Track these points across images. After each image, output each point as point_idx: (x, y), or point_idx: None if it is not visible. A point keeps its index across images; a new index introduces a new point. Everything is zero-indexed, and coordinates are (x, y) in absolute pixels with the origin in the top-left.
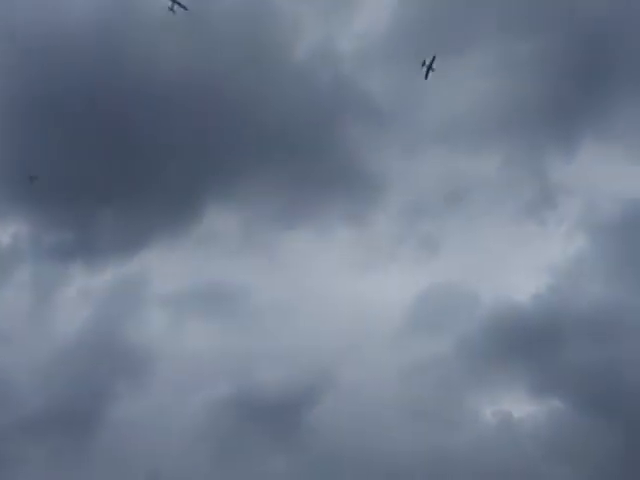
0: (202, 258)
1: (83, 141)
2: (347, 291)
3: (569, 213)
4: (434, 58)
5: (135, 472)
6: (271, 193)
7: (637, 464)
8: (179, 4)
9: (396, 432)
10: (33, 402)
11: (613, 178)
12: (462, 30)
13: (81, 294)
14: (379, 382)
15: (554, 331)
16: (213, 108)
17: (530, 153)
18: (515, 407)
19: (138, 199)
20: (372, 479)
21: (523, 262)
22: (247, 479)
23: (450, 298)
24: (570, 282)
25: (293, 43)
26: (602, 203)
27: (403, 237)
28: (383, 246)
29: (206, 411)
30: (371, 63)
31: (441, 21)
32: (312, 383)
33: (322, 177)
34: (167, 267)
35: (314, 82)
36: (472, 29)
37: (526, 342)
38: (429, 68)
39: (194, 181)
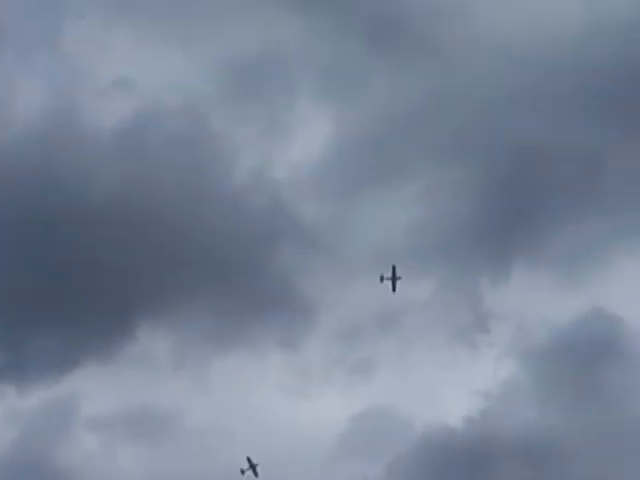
0: (134, 379)
1: (14, 260)
2: (281, 414)
3: (500, 337)
4: (394, 268)
5: None
6: (205, 315)
7: None
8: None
9: None
10: None
11: (543, 304)
12: (394, 160)
13: (10, 415)
14: None
15: (486, 455)
16: (148, 230)
17: (464, 278)
18: None
19: (70, 319)
20: None
21: (456, 386)
22: None
23: (383, 422)
24: (501, 406)
25: (230, 168)
26: (533, 328)
27: (337, 361)
28: (317, 370)
29: None
30: (306, 190)
31: (374, 152)
32: None
33: (256, 301)
34: (98, 388)
35: (250, 207)
36: (404, 158)
37: (458, 466)
38: (394, 279)
39: (127, 301)
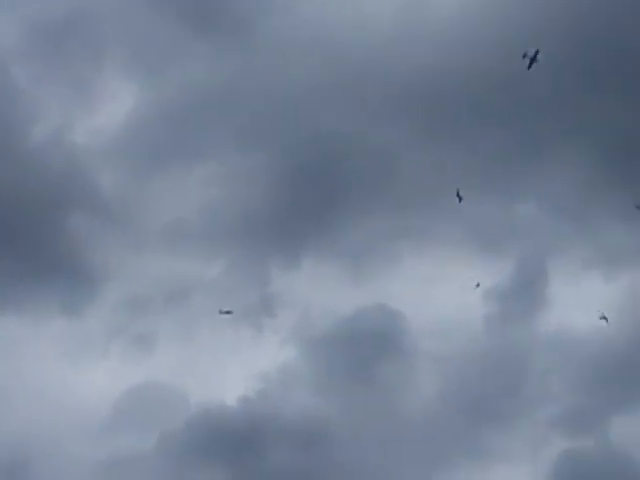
0: None
1: None
2: (57, 381)
3: (285, 323)
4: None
5: None
6: None
7: None
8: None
9: None
10: None
11: (328, 294)
12: (196, 138)
13: None
14: (74, 475)
15: (260, 436)
16: None
17: (253, 262)
18: None
19: None
20: None
21: (236, 366)
22: None
23: (160, 396)
24: (279, 389)
25: (28, 127)
26: (316, 317)
27: (119, 332)
28: (97, 340)
29: None
30: (104, 158)
31: (177, 127)
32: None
33: (42, 264)
34: None
35: (45, 169)
36: (206, 138)
37: (231, 445)
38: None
39: None
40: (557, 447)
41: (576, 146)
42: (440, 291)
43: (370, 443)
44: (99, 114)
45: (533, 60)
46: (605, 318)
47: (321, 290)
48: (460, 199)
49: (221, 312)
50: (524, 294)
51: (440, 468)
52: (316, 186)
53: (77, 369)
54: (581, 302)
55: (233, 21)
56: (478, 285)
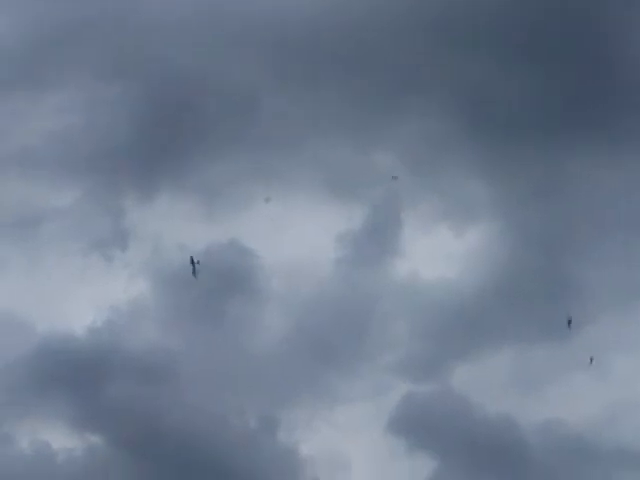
0: None
1: None
2: None
3: (136, 256)
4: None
5: None
6: None
7: None
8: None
9: None
10: None
11: (182, 230)
12: (53, 64)
13: None
14: None
15: (104, 368)
16: None
17: (107, 194)
18: (53, 438)
19: None
20: None
21: (84, 297)
22: None
23: (7, 323)
24: (126, 323)
25: None
26: (169, 253)
27: None
28: None
29: None
30: None
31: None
32: None
33: None
34: None
35: None
36: (62, 65)
37: (75, 376)
38: None
39: None
40: (400, 391)
41: (433, 98)
42: (293, 233)
43: (216, 380)
44: None
45: None
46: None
47: (174, 226)
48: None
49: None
50: (376, 241)
51: (285, 406)
52: (175, 121)
53: None
54: (431, 253)
55: None
56: None
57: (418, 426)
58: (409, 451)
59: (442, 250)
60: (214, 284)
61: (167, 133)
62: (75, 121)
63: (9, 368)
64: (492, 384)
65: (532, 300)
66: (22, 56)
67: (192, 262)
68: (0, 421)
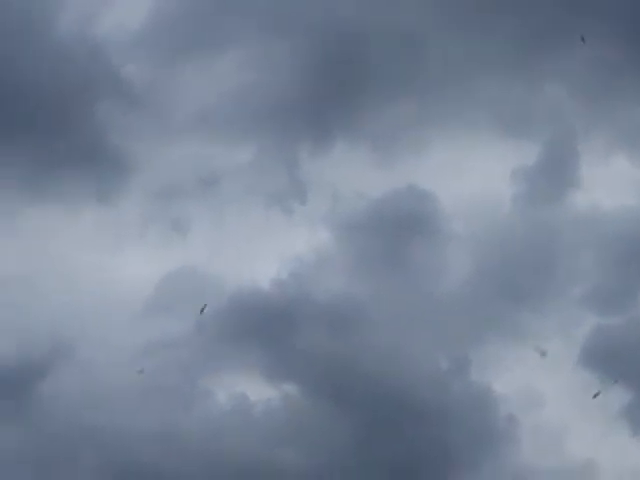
0: None
1: None
2: (94, 269)
3: (316, 207)
4: None
5: None
6: (16, 164)
7: (365, 447)
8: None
9: (131, 410)
10: None
11: (360, 178)
12: (222, 26)
13: None
14: (118, 360)
15: (293, 319)
16: None
17: (283, 146)
18: (250, 390)
19: None
20: (104, 454)
21: (268, 250)
22: None
23: (194, 282)
24: (312, 273)
25: (53, 18)
26: (348, 201)
27: (152, 220)
28: (130, 228)
29: None
30: (130, 47)
31: (202, 16)
32: (49, 357)
33: (72, 154)
34: None
35: (69, 61)
36: (232, 25)
37: (265, 327)
38: None
39: None
40: (590, 324)
41: (605, 23)
42: (468, 173)
43: (404, 325)
44: (122, 5)
45: None
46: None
47: (351, 174)
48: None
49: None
50: (552, 175)
51: (474, 346)
52: (343, 72)
53: (113, 257)
54: (610, 183)
55: None
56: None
57: (610, 359)
58: (602, 384)
59: (621, 179)
60: (394, 230)
61: (337, 84)
62: (245, 79)
63: (202, 324)
64: None
65: None
66: (195, 18)
67: (202, 310)
68: (198, 377)
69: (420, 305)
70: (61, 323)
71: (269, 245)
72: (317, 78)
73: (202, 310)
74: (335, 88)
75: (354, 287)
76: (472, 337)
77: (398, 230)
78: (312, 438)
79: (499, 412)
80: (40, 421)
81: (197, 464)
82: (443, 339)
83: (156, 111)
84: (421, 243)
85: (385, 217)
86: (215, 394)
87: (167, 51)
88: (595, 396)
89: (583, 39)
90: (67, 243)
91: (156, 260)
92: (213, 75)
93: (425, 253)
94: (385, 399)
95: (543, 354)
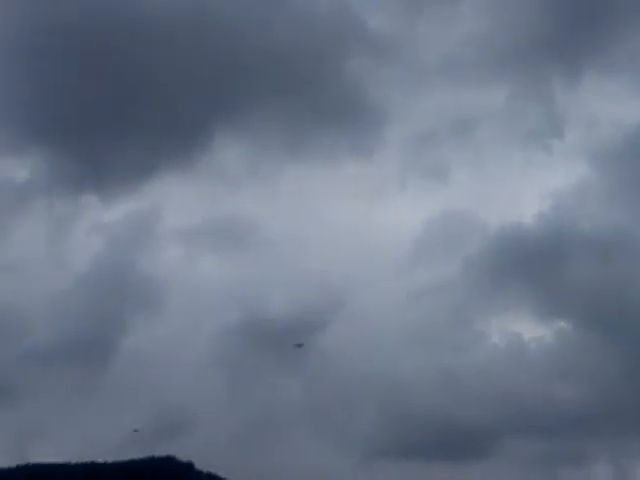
0: (210, 189)
1: (95, 77)
2: (356, 220)
3: (573, 139)
4: None
5: (147, 400)
6: (276, 125)
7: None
8: None
9: (404, 356)
10: (46, 333)
11: (616, 106)
12: None
13: (95, 227)
14: (387, 307)
15: (559, 253)
16: (217, 41)
17: (536, 84)
18: (523, 328)
19: (148, 128)
20: (380, 402)
21: (528, 187)
22: (258, 404)
23: (458, 224)
24: (574, 205)
25: None
26: (604, 130)
27: (410, 167)
28: (390, 177)
29: (217, 339)
30: (374, 2)
31: None
32: (321, 310)
33: (327, 110)
34: (177, 199)
35: (317, 19)
36: None
37: (532, 264)
38: None
39: (201, 113)
40: None
41: None
42: None
43: None
44: None
45: None
46: None
47: (606, 103)
48: None
49: None
50: None
51: None
52: (591, 2)
53: (375, 207)
54: None
55: None
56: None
57: None
58: None
59: None
60: None
61: (585, 14)
62: (492, 21)
63: (468, 265)
64: None
65: None
66: None
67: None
68: (470, 319)
69: None
70: (330, 276)
71: (529, 182)
72: (563, 12)
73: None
74: (582, 20)
75: (617, 216)
76: None
77: None
78: (586, 372)
79: None
80: (317, 372)
81: (476, 406)
82: None
83: (405, 61)
84: None
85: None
86: (489, 335)
87: (407, 1)
88: None
89: None
90: (328, 198)
91: (417, 207)
92: (454, 20)
93: None
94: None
95: None
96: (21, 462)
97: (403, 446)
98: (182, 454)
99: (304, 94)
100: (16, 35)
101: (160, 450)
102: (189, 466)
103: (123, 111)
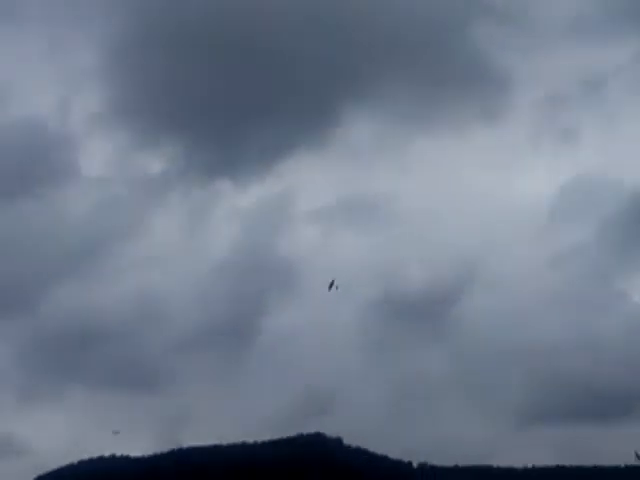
0: (342, 168)
1: (224, 65)
2: (487, 189)
3: None
4: None
5: (293, 379)
6: (404, 97)
7: None
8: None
9: (545, 321)
10: (190, 320)
11: None
12: None
13: (230, 211)
14: (525, 273)
15: None
16: (341, 18)
17: None
18: None
19: (278, 110)
20: (525, 368)
21: None
22: (403, 377)
23: (592, 187)
24: None
25: None
26: None
27: (541, 132)
28: (521, 143)
29: (358, 316)
30: None
31: None
32: (459, 279)
33: (453, 78)
34: (310, 179)
35: None
36: None
37: None
38: None
39: (329, 92)
40: None
41: None
42: None
43: None
44: None
45: None
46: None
47: None
48: None
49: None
50: None
51: None
52: None
53: (507, 174)
54: None
55: None
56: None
57: None
58: None
59: None
60: None
61: None
62: None
63: (604, 228)
64: None
65: None
66: None
67: (331, 285)
68: (611, 281)
69: None
70: (465, 245)
71: None
72: None
73: (331, 287)
74: None
75: None
76: None
77: None
78: None
79: None
80: (460, 343)
81: (620, 366)
82: None
83: (529, 24)
84: None
85: None
86: (630, 295)
87: None
88: None
89: None
90: (460, 167)
91: (550, 172)
92: None
93: None
94: None
95: None
96: (174, 447)
97: (552, 410)
98: (330, 430)
99: (429, 64)
100: (149, 28)
101: (309, 427)
102: (338, 442)
103: (253, 96)
